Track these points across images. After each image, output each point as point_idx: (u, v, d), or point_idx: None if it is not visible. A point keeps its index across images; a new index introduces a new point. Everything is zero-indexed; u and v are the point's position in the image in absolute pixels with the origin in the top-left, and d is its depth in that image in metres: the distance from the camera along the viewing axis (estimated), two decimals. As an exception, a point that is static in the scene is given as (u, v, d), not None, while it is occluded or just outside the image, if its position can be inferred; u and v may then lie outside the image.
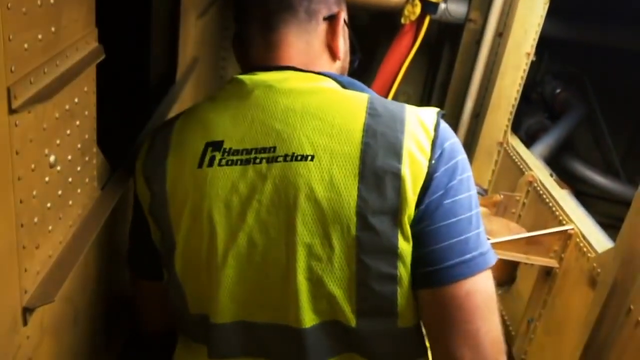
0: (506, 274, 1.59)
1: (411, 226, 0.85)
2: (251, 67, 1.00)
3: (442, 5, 2.33)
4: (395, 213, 0.84)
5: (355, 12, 2.85)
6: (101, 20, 1.05)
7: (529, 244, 1.51)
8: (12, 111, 0.74)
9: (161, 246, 1.02)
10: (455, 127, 2.35)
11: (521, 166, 1.86)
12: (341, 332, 0.91)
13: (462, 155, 0.90)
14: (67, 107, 0.94)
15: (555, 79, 2.91)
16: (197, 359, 1.05)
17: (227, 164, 0.90)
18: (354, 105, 0.90)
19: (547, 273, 1.58)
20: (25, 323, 0.84)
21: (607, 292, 1.27)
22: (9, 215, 0.77)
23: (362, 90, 0.96)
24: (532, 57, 2.05)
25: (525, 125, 2.77)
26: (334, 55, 1.02)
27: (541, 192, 1.68)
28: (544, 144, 2.50)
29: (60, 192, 0.94)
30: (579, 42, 2.68)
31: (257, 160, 0.89)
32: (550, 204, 1.61)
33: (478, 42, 2.29)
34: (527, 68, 2.07)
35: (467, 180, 0.89)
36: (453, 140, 0.90)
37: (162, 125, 1.04)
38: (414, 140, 0.86)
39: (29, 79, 0.78)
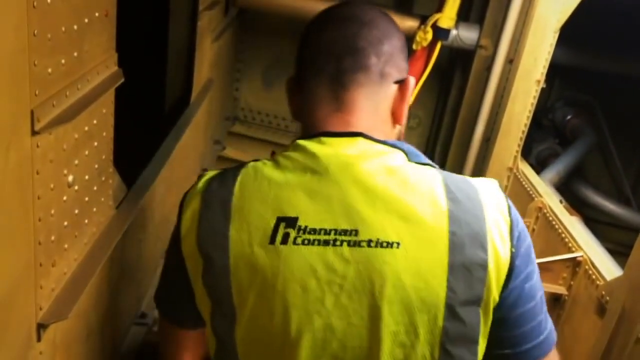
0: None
1: (493, 312, 0.87)
2: (313, 124, 0.96)
3: (454, 32, 2.35)
4: (480, 303, 0.85)
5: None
6: (120, 43, 1.09)
7: (539, 269, 1.51)
8: (34, 133, 0.77)
9: (210, 310, 0.92)
10: (465, 151, 2.37)
11: (531, 192, 1.87)
12: None
13: (528, 234, 0.92)
14: (86, 128, 0.97)
15: (566, 105, 2.91)
16: None
17: (303, 243, 0.85)
18: (431, 187, 0.87)
19: (555, 300, 1.57)
20: (39, 339, 0.86)
21: (616, 320, 1.27)
22: (28, 233, 0.79)
23: (426, 162, 0.93)
24: (542, 84, 2.06)
25: (536, 151, 2.77)
26: (396, 120, 0.99)
27: (551, 218, 1.68)
28: (554, 170, 2.49)
29: (77, 211, 0.96)
30: (590, 69, 2.69)
31: (338, 243, 0.84)
32: (560, 231, 1.61)
33: (489, 69, 2.32)
34: (537, 95, 2.08)
35: (534, 259, 0.92)
36: (521, 220, 0.90)
37: (211, 182, 0.92)
38: (496, 228, 0.86)
39: (51, 102, 0.81)
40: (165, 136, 1.66)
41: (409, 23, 2.36)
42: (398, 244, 0.83)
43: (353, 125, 0.93)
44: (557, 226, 1.64)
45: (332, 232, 0.84)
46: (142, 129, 1.66)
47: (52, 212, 0.87)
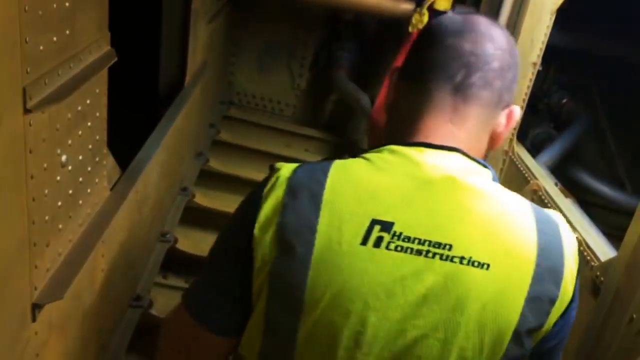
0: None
1: (540, 339, 0.91)
2: (415, 127, 0.94)
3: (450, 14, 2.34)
4: (537, 330, 0.89)
5: (364, 20, 2.88)
6: (113, 24, 1.08)
7: (532, 251, 1.51)
8: (27, 111, 0.76)
9: (266, 302, 0.88)
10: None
11: (526, 175, 1.86)
12: None
13: None
14: (79, 108, 0.96)
15: (562, 89, 2.91)
16: None
17: (396, 250, 0.84)
18: (523, 216, 0.89)
19: (550, 281, 1.58)
20: (34, 319, 0.86)
21: (610, 300, 1.27)
22: (21, 212, 0.78)
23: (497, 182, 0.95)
24: (538, 67, 2.06)
25: (531, 134, 2.77)
26: (495, 144, 0.99)
27: (546, 200, 1.68)
28: (550, 154, 2.50)
29: (71, 192, 0.96)
30: (587, 52, 2.69)
31: (430, 255, 0.84)
32: (555, 213, 1.62)
33: (485, 51, 2.31)
34: (533, 78, 2.08)
35: None
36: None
37: (297, 172, 0.88)
38: (569, 269, 0.89)
39: (43, 80, 0.80)
40: (159, 119, 1.65)
41: (405, 6, 2.34)
42: (488, 265, 0.84)
43: (457, 139, 0.93)
44: (552, 208, 1.64)
45: (427, 243, 0.84)
46: (135, 111, 1.65)
47: (46, 192, 0.86)
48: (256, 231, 0.86)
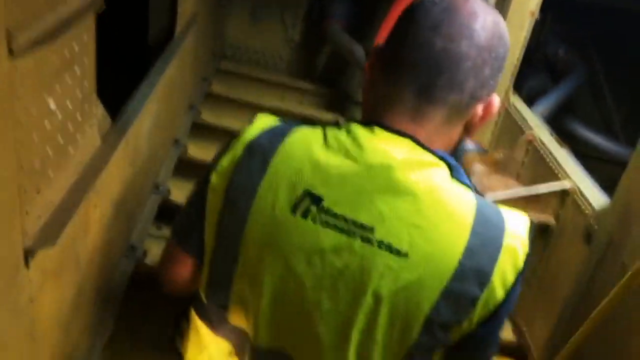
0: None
1: (462, 335, 0.92)
2: (377, 113, 0.93)
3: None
4: (456, 326, 0.90)
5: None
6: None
7: (527, 201, 1.52)
8: (11, 52, 0.73)
9: (212, 249, 0.98)
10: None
11: (522, 125, 1.85)
12: None
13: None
14: (66, 54, 0.94)
15: (559, 40, 2.87)
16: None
17: (321, 224, 0.89)
18: (461, 215, 0.88)
19: (543, 230, 1.59)
20: (27, 265, 0.86)
21: (603, 247, 1.29)
22: (9, 156, 0.77)
23: (465, 182, 0.93)
24: (536, 16, 2.02)
25: (527, 86, 2.75)
26: (468, 134, 0.97)
27: (541, 150, 1.68)
28: (545, 105, 2.48)
29: (60, 139, 0.94)
30: (584, 3, 2.64)
31: (352, 234, 0.88)
32: (550, 162, 1.61)
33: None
34: (530, 28, 2.04)
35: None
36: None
37: (262, 135, 0.94)
38: (500, 275, 0.88)
39: (28, 22, 0.78)
40: (150, 69, 1.61)
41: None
42: (407, 254, 0.87)
43: (417, 134, 0.91)
44: (547, 158, 1.64)
45: (351, 223, 0.88)
46: (125, 61, 1.61)
47: (34, 138, 0.84)
48: (212, 177, 0.94)
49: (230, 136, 0.99)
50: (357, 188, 0.88)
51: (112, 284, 1.36)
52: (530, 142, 1.74)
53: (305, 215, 0.89)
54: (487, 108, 0.94)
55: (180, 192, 1.88)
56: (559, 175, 1.56)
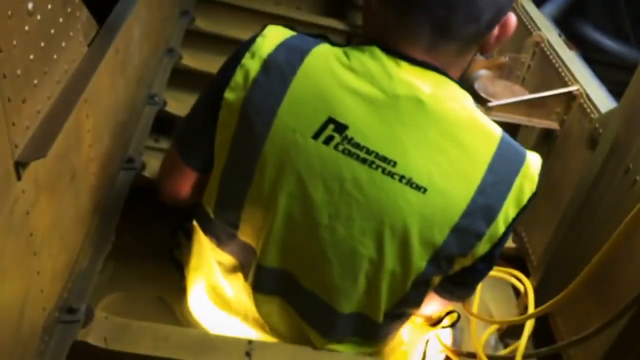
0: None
1: (461, 266, 0.98)
2: (383, 39, 0.89)
3: None
4: (460, 258, 0.94)
5: None
6: None
7: (531, 106, 1.48)
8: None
9: (224, 164, 0.96)
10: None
11: (529, 26, 1.77)
12: (365, 324, 1.05)
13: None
14: (41, -51, 0.87)
15: None
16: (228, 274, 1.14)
17: (343, 152, 0.87)
18: (480, 152, 0.89)
19: (547, 135, 1.56)
20: (19, 177, 0.84)
21: (607, 151, 1.26)
22: (-12, 63, 0.73)
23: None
24: None
25: (536, -14, 2.62)
26: (483, 51, 0.94)
27: (548, 52, 1.61)
28: (554, 5, 2.37)
29: (43, 44, 0.89)
30: None
31: (374, 166, 0.87)
32: (557, 65, 1.55)
33: None
34: None
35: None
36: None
37: (278, 50, 0.89)
38: (505, 213, 0.90)
39: None
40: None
41: None
42: (425, 189, 0.87)
43: (433, 60, 0.89)
44: (554, 60, 1.58)
45: (373, 154, 0.87)
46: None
47: (14, 42, 0.79)
48: (226, 94, 0.90)
49: (236, 47, 0.94)
50: (383, 119, 0.86)
51: (111, 195, 1.35)
52: (537, 44, 1.67)
53: (327, 142, 0.87)
54: (503, 28, 0.90)
55: (176, 103, 1.83)
56: (566, 79, 1.51)
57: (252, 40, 0.92)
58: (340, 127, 0.86)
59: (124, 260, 1.42)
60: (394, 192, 0.88)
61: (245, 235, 1.03)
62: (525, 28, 1.79)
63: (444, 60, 0.89)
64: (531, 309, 1.33)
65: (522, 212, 0.92)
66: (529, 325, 1.31)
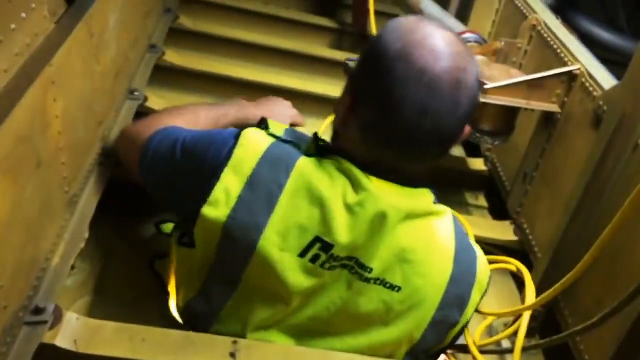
0: (505, 123, 1.50)
1: (436, 351, 1.03)
2: (356, 149, 0.93)
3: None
4: (436, 347, 1.01)
5: None
6: None
7: (530, 88, 1.40)
8: None
9: (212, 262, 0.97)
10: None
11: (524, 11, 1.70)
12: None
13: None
14: None
15: None
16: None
17: (328, 269, 0.91)
18: (446, 247, 0.96)
19: (547, 119, 1.49)
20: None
21: (613, 128, 1.19)
22: None
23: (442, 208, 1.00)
24: None
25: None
26: None
27: (545, 35, 1.54)
28: (548, -5, 2.32)
29: (-4, 10, 0.81)
30: None
31: (353, 271, 0.92)
32: (555, 46, 1.48)
33: None
34: None
35: None
36: None
37: (262, 164, 0.90)
38: (475, 298, 0.98)
39: None
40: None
41: None
42: (399, 288, 0.93)
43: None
44: (552, 42, 1.51)
45: (353, 261, 0.91)
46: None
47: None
48: (205, 210, 0.89)
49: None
50: (363, 233, 0.89)
51: (86, 190, 1.26)
52: (534, 27, 1.60)
53: (314, 260, 0.90)
54: (465, 132, 0.93)
55: (158, 100, 1.76)
56: (566, 59, 1.43)
57: (229, 150, 0.91)
58: (326, 246, 0.89)
59: (100, 260, 1.32)
60: (370, 295, 0.93)
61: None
62: (521, 13, 1.73)
63: (414, 172, 0.94)
64: (530, 297, 1.24)
65: (483, 296, 1.00)
66: (527, 315, 1.22)
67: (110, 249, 1.35)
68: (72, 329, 0.98)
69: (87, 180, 1.28)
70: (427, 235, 0.94)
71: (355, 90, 0.92)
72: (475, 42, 1.65)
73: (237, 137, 0.93)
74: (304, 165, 0.90)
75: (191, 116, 1.24)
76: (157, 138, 1.07)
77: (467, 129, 0.93)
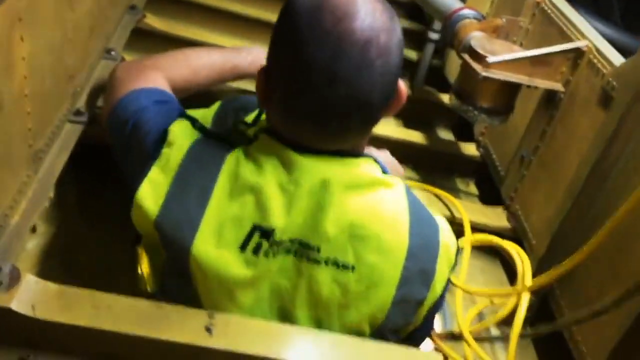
0: (504, 101, 1.43)
1: (409, 332, 0.97)
2: (281, 127, 0.86)
3: None
4: (405, 327, 0.94)
5: None
6: None
7: (534, 64, 1.33)
8: None
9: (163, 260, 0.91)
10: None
11: (526, -11, 1.64)
12: None
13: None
14: None
15: None
16: None
17: (272, 255, 0.85)
18: (398, 219, 0.89)
19: (549, 99, 1.42)
20: None
21: (625, 106, 1.12)
22: None
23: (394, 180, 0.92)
24: None
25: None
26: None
27: (549, 11, 1.47)
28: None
29: None
30: None
31: (299, 254, 0.86)
32: (561, 23, 1.41)
33: None
34: None
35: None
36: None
37: (189, 160, 0.87)
38: (441, 271, 0.91)
39: None
40: None
41: None
42: (353, 267, 0.86)
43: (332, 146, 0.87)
44: (557, 19, 1.44)
45: (297, 243, 0.85)
46: None
47: None
48: (134, 208, 0.86)
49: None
50: (304, 212, 0.84)
51: (53, 146, 1.15)
52: (538, 4, 1.53)
53: (256, 251, 0.84)
54: (397, 100, 0.87)
55: (137, 63, 1.65)
56: (572, 37, 1.37)
57: (157, 148, 0.88)
58: (267, 233, 0.84)
59: (66, 225, 1.21)
60: (321, 277, 0.86)
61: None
62: (523, -9, 1.66)
63: (346, 145, 0.87)
64: (528, 278, 1.17)
65: (453, 269, 0.95)
66: (525, 297, 1.14)
67: (79, 213, 1.24)
68: (30, 292, 0.87)
69: (55, 136, 1.17)
70: (375, 206, 0.87)
71: (268, 64, 0.85)
72: (474, 18, 1.57)
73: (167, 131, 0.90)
74: (231, 161, 0.86)
75: (189, 71, 1.21)
76: (126, 100, 1.01)
77: (403, 93, 0.86)
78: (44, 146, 1.10)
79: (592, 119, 1.24)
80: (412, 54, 2.25)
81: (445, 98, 2.09)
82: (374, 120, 0.86)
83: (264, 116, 0.97)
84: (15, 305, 0.85)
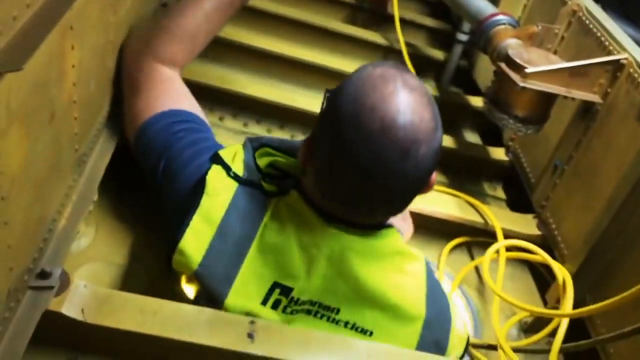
0: (540, 110, 1.42)
1: None
2: (317, 195, 0.92)
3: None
4: None
5: None
6: None
7: (572, 75, 1.33)
8: None
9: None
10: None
11: (562, -4, 1.62)
12: None
13: None
14: None
15: None
16: None
17: (291, 313, 0.90)
18: (417, 291, 0.93)
19: (585, 111, 1.41)
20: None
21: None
22: None
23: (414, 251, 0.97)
24: None
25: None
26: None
27: (587, 21, 1.46)
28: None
29: None
30: None
31: (319, 315, 0.91)
32: (599, 34, 1.40)
33: None
34: None
35: None
36: None
37: (233, 214, 0.93)
38: (456, 339, 0.95)
39: None
40: None
41: None
42: (372, 332, 0.90)
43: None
44: (595, 29, 1.43)
45: (317, 305, 0.90)
46: None
47: None
48: (176, 256, 0.92)
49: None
50: (323, 274, 0.89)
51: (95, 149, 1.17)
52: (574, 12, 1.52)
53: (275, 306, 0.90)
54: (426, 189, 0.92)
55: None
56: (610, 48, 1.36)
57: (194, 194, 0.94)
58: (286, 290, 0.90)
59: (106, 227, 1.24)
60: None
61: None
62: (558, -2, 1.64)
63: (366, 222, 0.93)
64: (569, 304, 1.18)
65: (467, 348, 0.98)
66: (565, 322, 1.16)
67: (117, 215, 1.26)
68: (79, 297, 0.89)
69: (97, 140, 1.19)
70: (394, 276, 0.92)
71: (314, 137, 0.91)
72: (509, 24, 1.56)
73: (204, 179, 0.95)
74: (269, 213, 0.93)
75: (192, 40, 1.26)
76: (151, 131, 1.10)
77: (432, 183, 0.92)
78: (87, 149, 1.12)
79: (631, 133, 1.23)
80: (439, 54, 2.24)
81: (472, 100, 2.09)
82: (402, 209, 0.93)
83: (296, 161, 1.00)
84: (65, 310, 0.87)
